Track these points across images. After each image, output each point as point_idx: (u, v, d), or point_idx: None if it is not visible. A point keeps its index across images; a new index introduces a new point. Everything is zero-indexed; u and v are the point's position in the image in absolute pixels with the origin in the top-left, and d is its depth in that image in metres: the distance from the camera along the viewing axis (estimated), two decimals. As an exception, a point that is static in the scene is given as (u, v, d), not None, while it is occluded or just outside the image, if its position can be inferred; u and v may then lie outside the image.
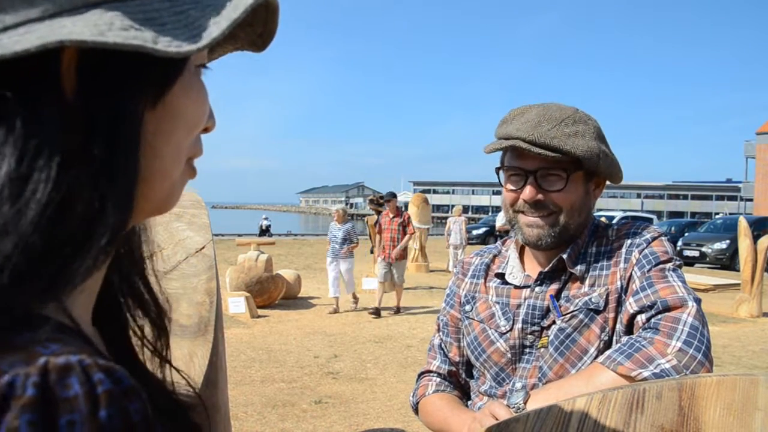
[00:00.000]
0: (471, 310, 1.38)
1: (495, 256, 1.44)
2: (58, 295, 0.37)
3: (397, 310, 8.97)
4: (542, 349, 1.25)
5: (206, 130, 0.50)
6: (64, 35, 0.34)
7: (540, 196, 1.25)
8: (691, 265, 16.97)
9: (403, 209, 9.28)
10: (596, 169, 1.25)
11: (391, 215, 8.90)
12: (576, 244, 1.29)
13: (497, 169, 1.35)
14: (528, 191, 1.25)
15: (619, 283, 1.23)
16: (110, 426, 0.32)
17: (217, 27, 0.40)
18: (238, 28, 0.48)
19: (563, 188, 1.24)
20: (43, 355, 0.32)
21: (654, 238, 1.26)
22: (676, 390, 0.87)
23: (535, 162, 1.24)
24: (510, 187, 1.30)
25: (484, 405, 1.25)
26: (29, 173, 0.35)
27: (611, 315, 1.21)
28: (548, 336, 1.24)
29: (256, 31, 0.48)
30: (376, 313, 8.59)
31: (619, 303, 1.21)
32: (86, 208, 0.37)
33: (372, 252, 11.31)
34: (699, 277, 12.94)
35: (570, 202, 1.25)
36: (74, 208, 0.37)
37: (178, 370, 0.56)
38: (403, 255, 8.99)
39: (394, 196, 9.09)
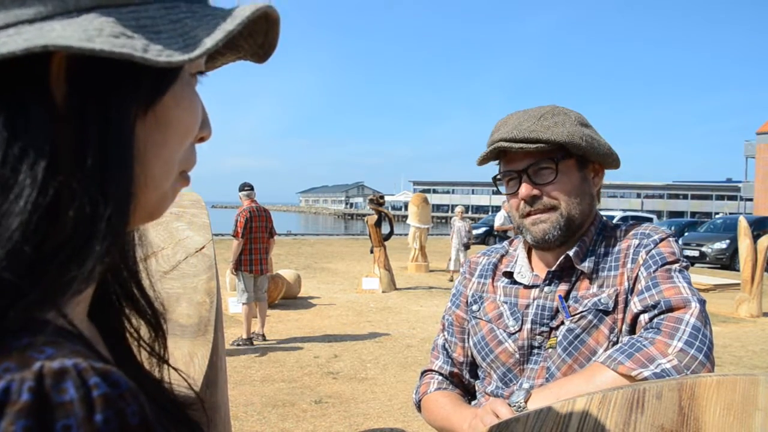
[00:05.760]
0: (478, 310, 1.38)
1: (503, 256, 1.44)
2: (56, 302, 0.36)
3: (249, 340, 6.64)
4: (550, 350, 1.24)
5: (202, 139, 0.50)
6: (51, 39, 0.33)
7: (536, 191, 1.27)
8: (691, 264, 16.83)
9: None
10: (584, 153, 1.27)
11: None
12: (583, 241, 1.30)
13: (495, 181, 1.38)
14: (523, 189, 1.27)
15: (626, 283, 1.22)
16: (106, 429, 0.31)
17: (211, 38, 0.39)
18: (240, 38, 0.47)
19: (555, 179, 1.26)
20: (38, 360, 0.32)
21: (662, 239, 1.26)
22: (677, 390, 0.87)
23: (523, 161, 1.27)
24: (509, 191, 1.33)
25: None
26: (14, 177, 0.34)
27: (620, 316, 1.21)
28: (557, 336, 1.24)
29: (257, 41, 0.48)
30: (248, 342, 6.64)
31: (627, 304, 1.21)
32: (79, 215, 0.36)
33: (372, 252, 11.29)
34: (699, 276, 12.92)
35: (566, 191, 1.27)
36: (66, 214, 0.36)
37: (176, 370, 0.56)
38: (235, 266, 6.59)
39: (250, 187, 6.75)
